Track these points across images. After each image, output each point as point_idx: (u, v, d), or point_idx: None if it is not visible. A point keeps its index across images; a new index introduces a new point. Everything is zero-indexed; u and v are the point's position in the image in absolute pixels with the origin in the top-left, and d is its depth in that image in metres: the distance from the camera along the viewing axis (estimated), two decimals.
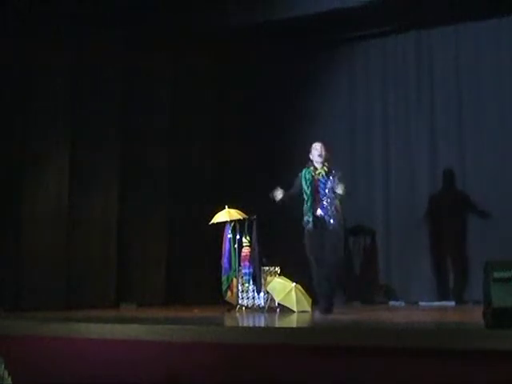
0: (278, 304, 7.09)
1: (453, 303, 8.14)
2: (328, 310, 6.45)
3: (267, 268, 7.52)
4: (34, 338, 5.04)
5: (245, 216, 7.50)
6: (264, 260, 7.41)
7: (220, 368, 4.27)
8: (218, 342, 4.52)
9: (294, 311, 6.97)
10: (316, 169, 6.55)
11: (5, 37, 7.36)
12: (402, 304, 8.40)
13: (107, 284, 8.22)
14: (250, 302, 7.49)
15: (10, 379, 3.45)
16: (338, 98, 9.30)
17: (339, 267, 6.63)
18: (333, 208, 6.46)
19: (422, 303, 8.28)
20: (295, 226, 9.00)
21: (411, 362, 3.92)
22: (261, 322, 6.18)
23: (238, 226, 7.53)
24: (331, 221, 6.43)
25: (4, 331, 5.23)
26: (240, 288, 7.45)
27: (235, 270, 7.42)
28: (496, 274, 4.14)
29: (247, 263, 7.40)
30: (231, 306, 7.38)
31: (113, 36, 8.40)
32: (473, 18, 8.44)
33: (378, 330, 4.76)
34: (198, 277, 8.87)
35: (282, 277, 7.36)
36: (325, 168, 6.53)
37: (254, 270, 7.34)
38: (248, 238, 7.45)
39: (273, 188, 9.11)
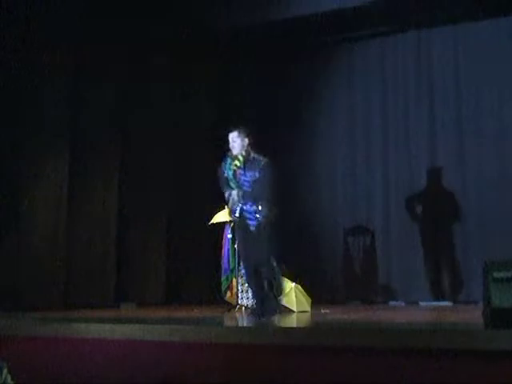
0: None
1: (452, 303, 8.15)
2: (258, 313, 6.00)
3: None
4: (34, 338, 5.03)
5: None
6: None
7: (220, 368, 4.26)
8: (218, 342, 4.52)
9: (293, 311, 6.97)
10: (235, 158, 6.02)
11: (4, 37, 7.36)
12: (402, 304, 8.41)
13: (107, 284, 8.22)
14: (250, 302, 7.49)
15: None
16: (337, 98, 9.31)
17: (266, 268, 6.09)
18: (253, 201, 5.91)
19: (421, 303, 8.29)
20: (295, 226, 9.07)
21: (411, 361, 3.92)
22: (261, 322, 6.17)
23: None
24: (252, 215, 5.94)
25: (4, 331, 5.23)
26: (240, 288, 7.45)
27: (234, 270, 7.42)
28: (496, 274, 4.14)
29: None
30: (231, 306, 7.38)
31: (112, 36, 8.41)
32: (473, 17, 8.44)
33: (377, 330, 4.76)
34: (198, 277, 8.87)
35: (282, 277, 7.36)
36: (240, 157, 5.98)
37: None
38: None
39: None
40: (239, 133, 6.04)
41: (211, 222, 7.62)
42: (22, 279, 7.33)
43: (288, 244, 8.78)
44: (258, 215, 5.94)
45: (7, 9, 7.33)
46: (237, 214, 6.02)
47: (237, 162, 5.96)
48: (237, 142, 6.00)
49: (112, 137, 8.50)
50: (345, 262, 9.02)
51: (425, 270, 8.48)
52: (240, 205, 5.98)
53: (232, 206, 6.06)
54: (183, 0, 8.59)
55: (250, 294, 7.50)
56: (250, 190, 5.94)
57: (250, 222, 6.00)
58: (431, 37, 8.81)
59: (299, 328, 5.37)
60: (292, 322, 6.02)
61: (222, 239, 7.59)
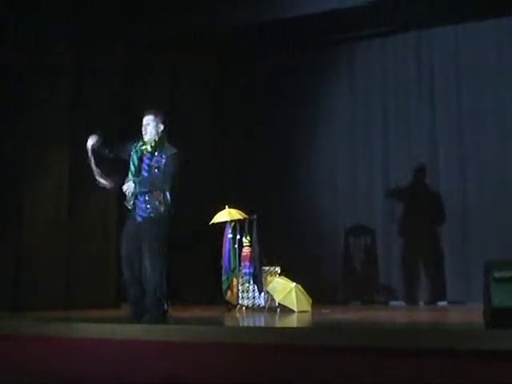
0: (278, 304, 7.09)
1: (452, 303, 8.14)
2: (136, 316, 5.32)
3: (267, 268, 7.53)
4: (34, 338, 5.04)
5: (245, 216, 7.51)
6: (264, 260, 7.40)
7: (220, 368, 4.26)
8: (218, 342, 4.52)
9: (294, 311, 6.97)
10: (145, 143, 5.54)
11: (5, 37, 7.36)
12: (402, 304, 8.41)
13: (107, 284, 8.21)
14: (250, 302, 7.49)
15: None
16: (338, 98, 9.31)
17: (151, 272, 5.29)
18: (152, 194, 5.35)
19: (421, 303, 8.29)
20: (295, 225, 9.07)
21: (411, 362, 3.92)
22: (261, 322, 6.18)
23: (238, 226, 7.53)
24: (143, 204, 5.36)
25: (4, 331, 5.23)
26: (240, 288, 7.45)
27: (235, 270, 7.43)
28: (496, 274, 4.15)
29: (247, 263, 7.41)
30: (231, 306, 7.38)
31: (113, 36, 8.41)
32: (473, 18, 8.44)
33: (377, 330, 4.76)
34: (198, 277, 8.86)
35: (282, 277, 7.36)
36: (152, 143, 5.50)
37: (254, 270, 7.35)
38: (248, 237, 7.46)
39: (273, 188, 9.20)
40: (155, 116, 5.52)
41: (211, 222, 7.63)
42: (22, 279, 7.33)
43: (288, 244, 8.78)
44: (148, 205, 5.34)
45: (7, 9, 7.33)
46: (131, 203, 5.42)
47: (147, 147, 5.47)
48: (151, 125, 5.49)
49: (112, 137, 8.49)
50: (345, 262, 9.02)
51: (425, 270, 8.48)
52: (136, 194, 5.37)
53: (128, 196, 5.44)
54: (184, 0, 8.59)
55: (250, 294, 7.52)
56: (148, 176, 5.39)
57: (138, 212, 5.38)
58: (431, 37, 8.81)
59: (299, 328, 5.37)
60: (292, 322, 6.02)
61: (222, 239, 7.59)
